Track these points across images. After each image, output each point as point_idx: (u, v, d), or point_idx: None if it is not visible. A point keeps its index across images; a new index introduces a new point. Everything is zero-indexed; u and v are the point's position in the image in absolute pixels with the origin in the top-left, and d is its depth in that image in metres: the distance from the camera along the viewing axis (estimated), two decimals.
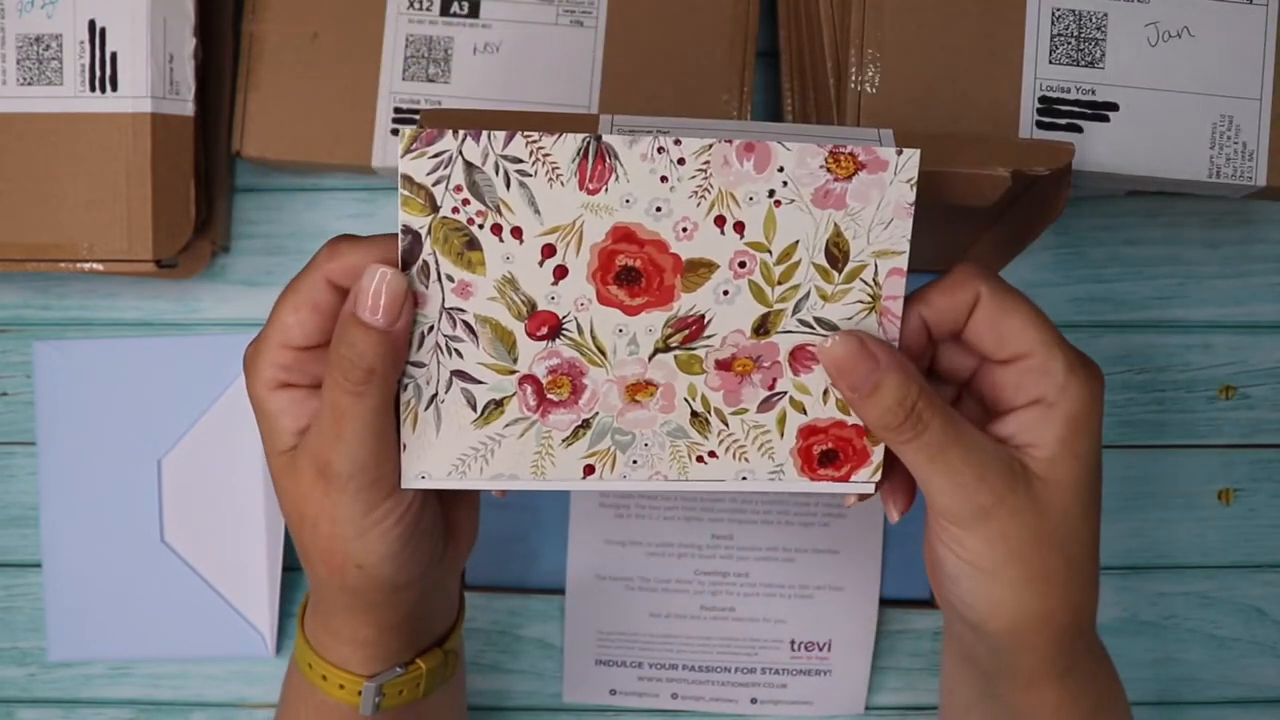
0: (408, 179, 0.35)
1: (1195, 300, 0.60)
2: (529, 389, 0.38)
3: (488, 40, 0.54)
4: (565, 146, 0.35)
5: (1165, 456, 0.60)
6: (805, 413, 0.38)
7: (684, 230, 0.36)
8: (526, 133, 0.35)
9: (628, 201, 0.36)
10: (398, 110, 0.53)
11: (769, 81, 0.58)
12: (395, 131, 0.53)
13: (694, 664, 0.59)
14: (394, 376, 0.36)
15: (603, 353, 0.37)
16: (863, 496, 0.40)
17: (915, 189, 0.36)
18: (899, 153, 0.36)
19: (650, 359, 0.38)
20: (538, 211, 0.36)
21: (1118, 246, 0.60)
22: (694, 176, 0.36)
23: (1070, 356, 0.37)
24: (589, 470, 0.39)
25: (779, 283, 0.37)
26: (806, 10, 0.53)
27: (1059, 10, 0.50)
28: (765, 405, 0.38)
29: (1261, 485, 0.60)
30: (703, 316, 0.37)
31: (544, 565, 0.58)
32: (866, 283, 0.37)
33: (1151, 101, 0.50)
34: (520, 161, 0.35)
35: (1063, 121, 0.50)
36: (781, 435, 0.39)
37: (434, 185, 0.35)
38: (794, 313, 0.37)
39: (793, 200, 0.36)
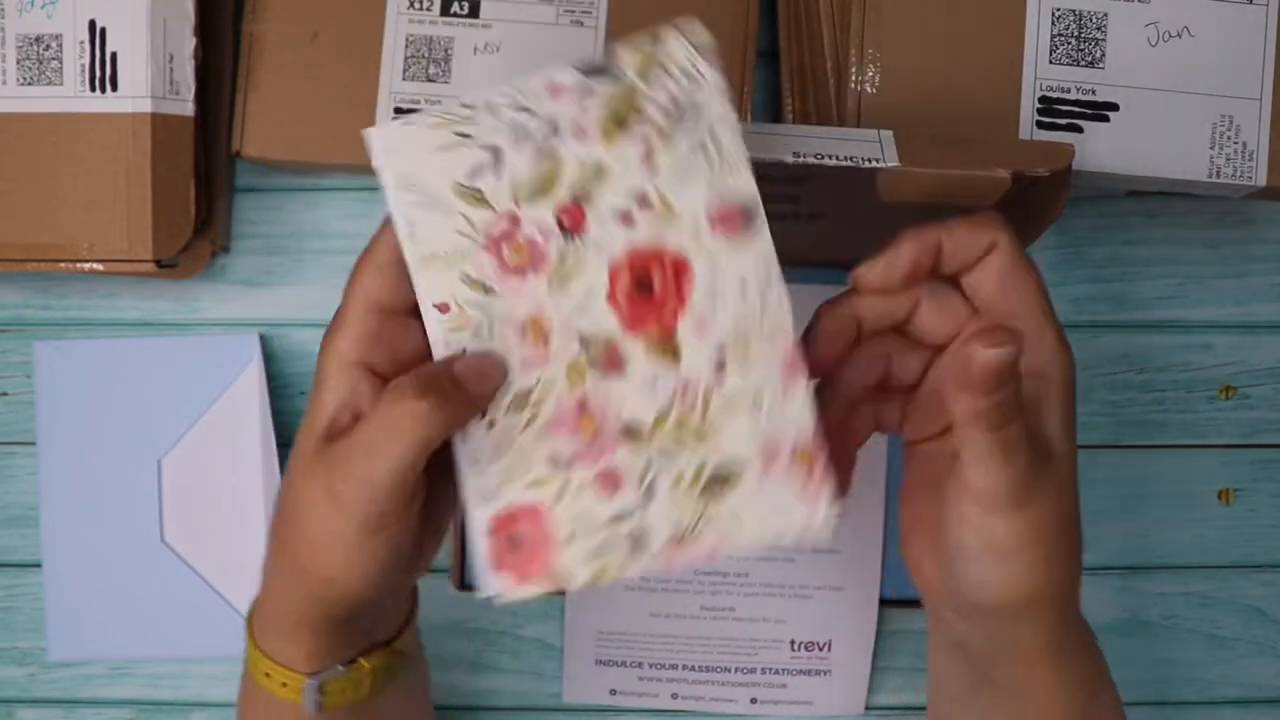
0: None
1: (1195, 300, 0.60)
2: None
3: (488, 40, 0.54)
4: None
5: (1165, 456, 0.60)
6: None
7: None
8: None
9: None
10: (398, 110, 0.53)
11: (769, 81, 0.58)
12: None
13: (694, 664, 0.59)
14: (462, 419, 0.36)
15: None
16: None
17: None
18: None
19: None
20: None
21: (1118, 246, 0.60)
22: None
23: (1059, 329, 0.38)
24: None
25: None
26: (806, 10, 0.53)
27: (1059, 10, 0.50)
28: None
29: (1261, 485, 0.60)
30: None
31: None
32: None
33: (1151, 101, 0.50)
34: None
35: (1063, 121, 0.50)
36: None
37: None
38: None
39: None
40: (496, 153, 0.36)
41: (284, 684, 0.41)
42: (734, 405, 0.37)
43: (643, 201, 0.36)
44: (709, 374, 0.37)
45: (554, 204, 0.36)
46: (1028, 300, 0.37)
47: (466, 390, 0.36)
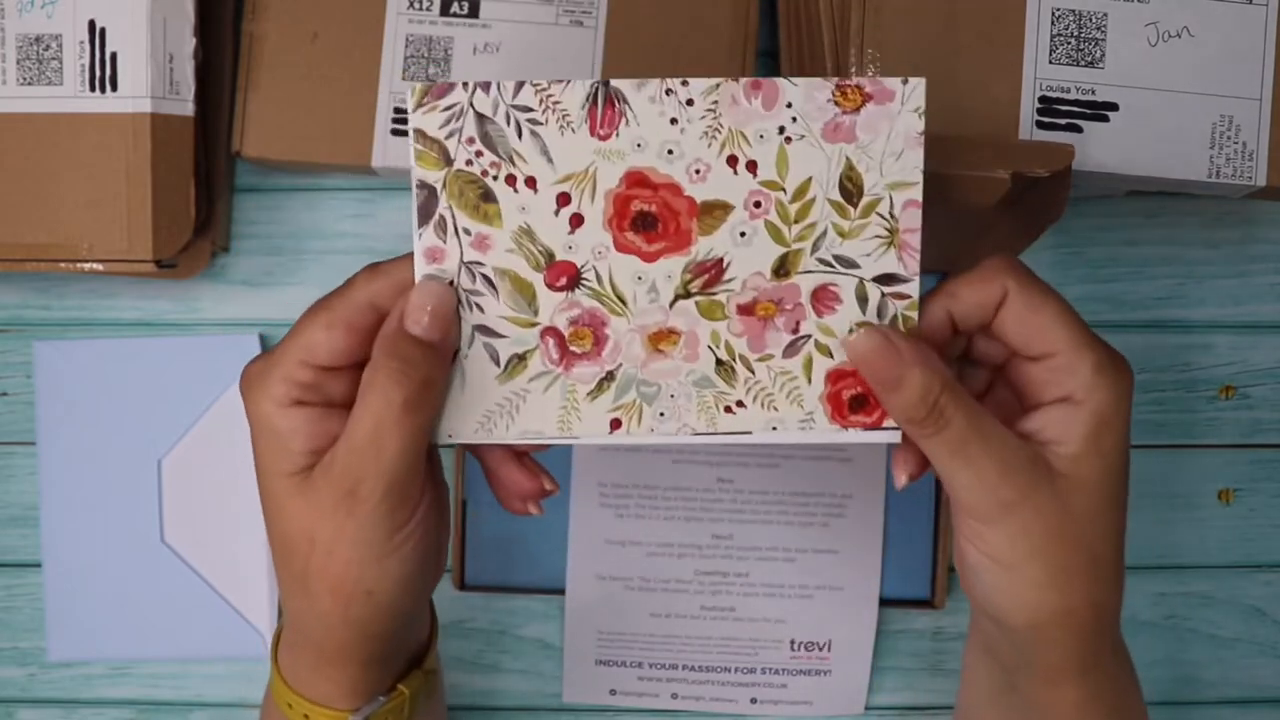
0: (420, 133, 0.36)
1: (1195, 300, 0.60)
2: (551, 341, 0.38)
3: (488, 40, 0.54)
4: (574, 93, 0.36)
5: (1165, 456, 0.60)
6: (831, 356, 0.38)
7: (697, 172, 0.36)
8: (535, 81, 0.35)
9: (639, 146, 0.36)
10: (398, 110, 0.53)
11: None
12: (396, 131, 0.53)
13: (694, 664, 0.59)
14: (443, 390, 0.36)
15: (623, 301, 0.37)
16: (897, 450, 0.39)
17: (924, 118, 0.37)
18: (904, 82, 0.36)
19: (671, 306, 0.37)
20: (550, 160, 0.36)
21: (1118, 246, 0.60)
22: (703, 117, 0.36)
23: (1099, 355, 0.37)
24: (615, 424, 0.38)
25: (795, 221, 0.37)
26: (806, 10, 0.53)
27: (1059, 10, 0.50)
28: (790, 350, 0.38)
29: (1261, 485, 0.60)
30: (721, 260, 0.37)
31: (544, 565, 0.58)
32: (883, 216, 0.37)
33: (1151, 101, 0.50)
34: (530, 110, 0.36)
35: (1062, 121, 0.50)
36: (809, 381, 0.38)
37: (446, 139, 0.36)
38: (813, 251, 0.37)
39: (803, 136, 0.36)
40: None
41: None
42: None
43: None
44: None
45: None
46: (1055, 336, 0.37)
47: (430, 344, 0.36)
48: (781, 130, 0.36)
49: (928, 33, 0.50)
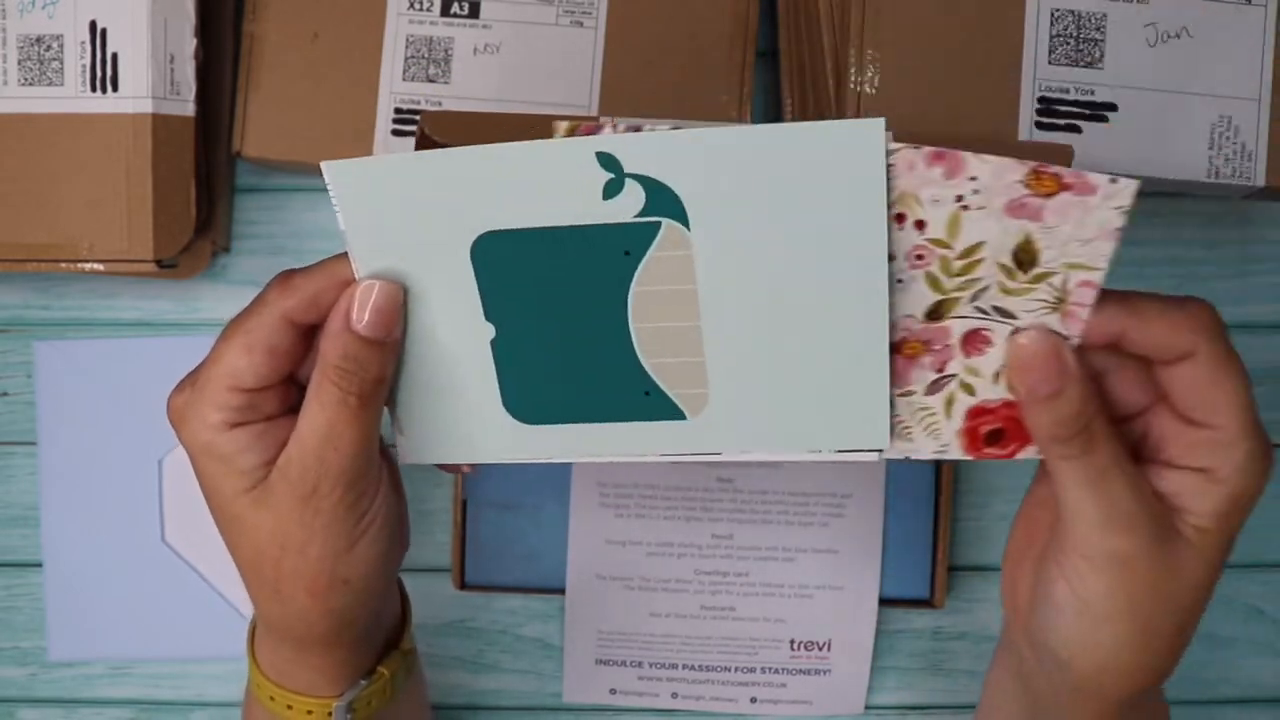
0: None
1: None
2: None
3: (488, 41, 0.54)
4: None
5: None
6: (974, 394, 0.37)
7: None
8: (676, 125, 0.34)
9: None
10: (398, 110, 0.53)
11: (769, 82, 0.58)
12: (396, 132, 0.53)
13: (694, 664, 0.59)
14: (391, 381, 0.36)
15: None
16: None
17: (1126, 215, 0.35)
18: (1113, 180, 0.34)
19: None
20: None
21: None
22: None
23: (1257, 445, 0.35)
24: None
25: (958, 275, 0.35)
26: (806, 10, 0.53)
27: (1058, 11, 0.50)
28: (933, 387, 0.37)
29: None
30: None
31: (544, 565, 0.59)
32: (1054, 287, 0.35)
33: (1150, 102, 0.50)
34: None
35: (1062, 122, 0.50)
36: (949, 416, 0.37)
37: None
38: (971, 300, 0.36)
39: (982, 207, 0.34)
40: None
41: (309, 712, 0.41)
42: None
43: None
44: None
45: None
46: (1225, 415, 0.35)
47: (377, 343, 0.35)
48: (959, 199, 0.34)
49: (928, 33, 0.50)
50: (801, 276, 0.35)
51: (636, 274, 0.35)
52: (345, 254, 0.36)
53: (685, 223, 0.35)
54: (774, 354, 0.36)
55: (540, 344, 0.37)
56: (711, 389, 0.37)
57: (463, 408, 0.38)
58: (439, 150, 0.34)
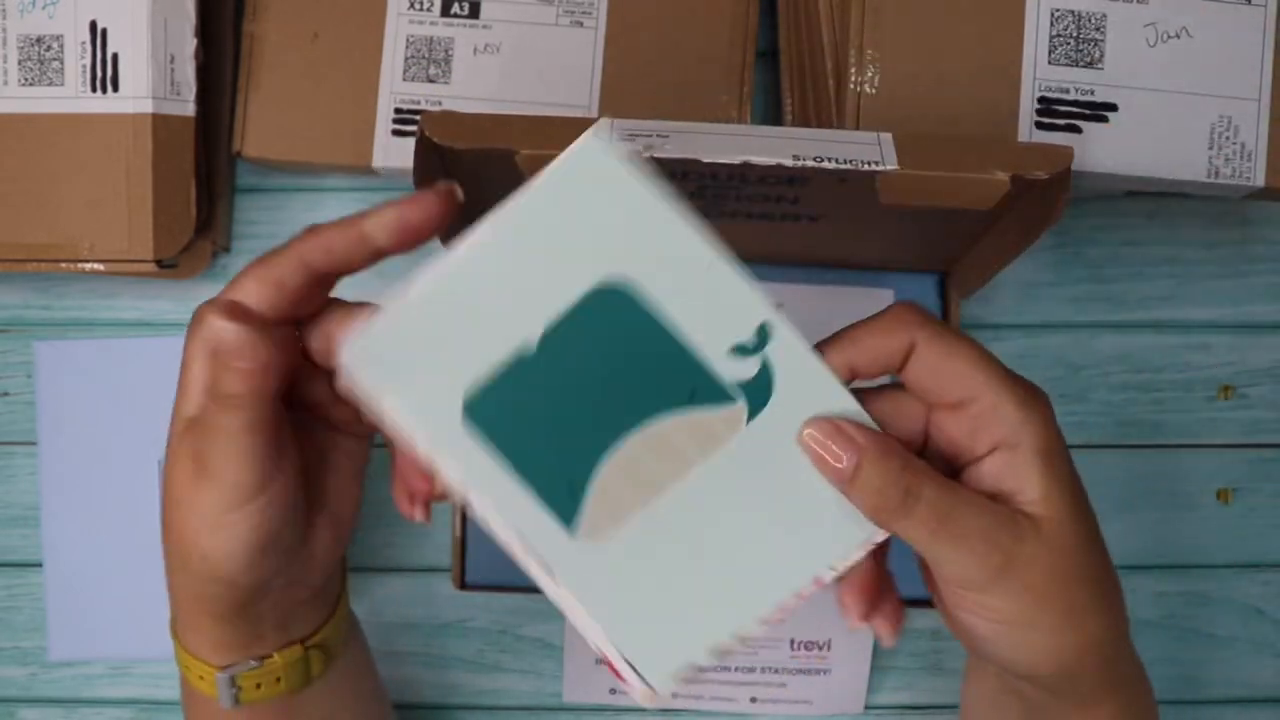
0: None
1: (1194, 300, 0.60)
2: None
3: (488, 41, 0.54)
4: None
5: (1164, 456, 0.60)
6: None
7: None
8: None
9: None
10: (398, 111, 0.53)
11: (769, 82, 0.58)
12: (396, 132, 0.53)
13: None
14: (270, 399, 0.36)
15: None
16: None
17: None
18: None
19: None
20: None
21: (1117, 247, 0.60)
22: None
23: (1019, 391, 0.36)
24: None
25: None
26: (806, 10, 0.53)
27: (1058, 11, 0.50)
28: None
29: (1260, 485, 0.60)
30: None
31: None
32: None
33: (1150, 102, 0.50)
34: None
35: (1062, 122, 0.50)
36: None
37: None
38: None
39: None
40: None
41: (200, 677, 0.42)
42: None
43: None
44: None
45: None
46: (972, 381, 0.36)
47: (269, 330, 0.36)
48: None
49: (927, 33, 0.50)
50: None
51: (676, 415, 0.36)
52: (367, 211, 0.37)
53: (755, 414, 0.36)
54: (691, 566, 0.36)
55: (552, 383, 0.36)
56: (617, 538, 0.36)
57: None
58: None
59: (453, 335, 0.35)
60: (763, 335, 0.35)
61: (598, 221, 0.35)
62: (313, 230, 0.37)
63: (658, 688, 0.37)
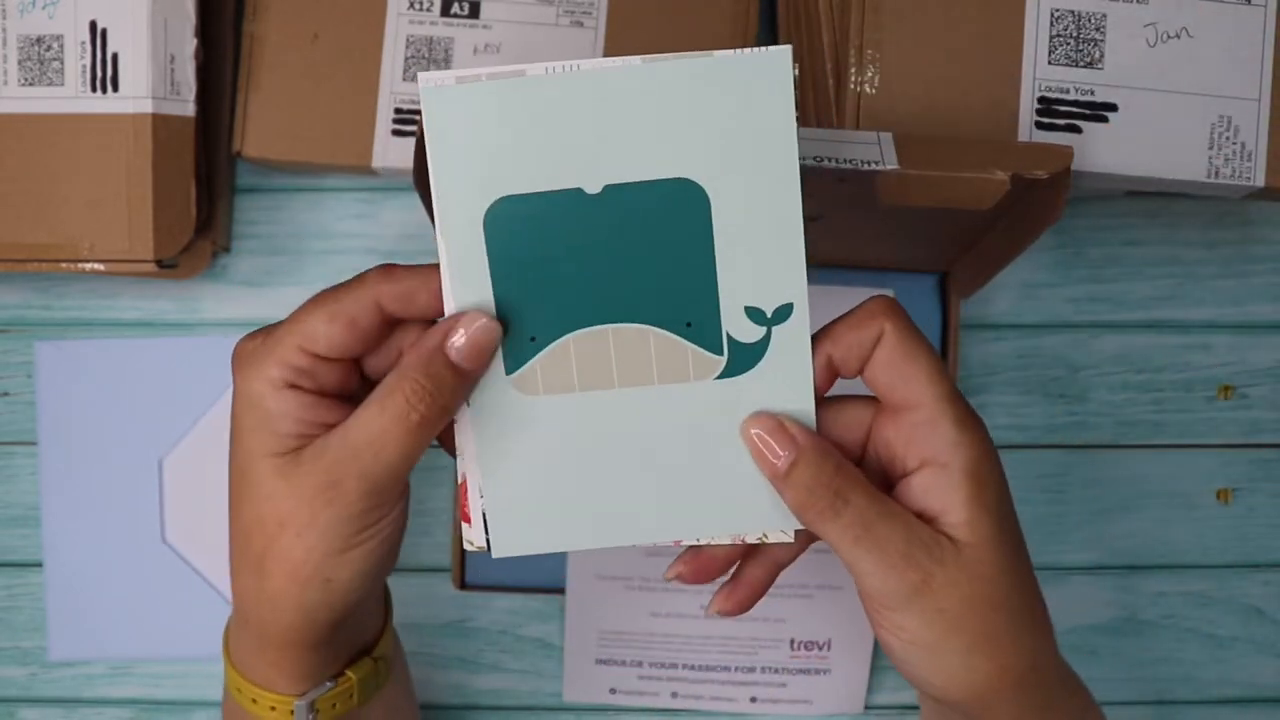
0: None
1: (1194, 300, 0.60)
2: None
3: (488, 41, 0.54)
4: None
5: (1164, 456, 0.60)
6: None
7: None
8: None
9: None
10: (398, 111, 0.54)
11: None
12: (396, 132, 0.53)
13: (694, 663, 0.59)
14: (461, 399, 0.36)
15: None
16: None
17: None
18: None
19: None
20: None
21: (1117, 247, 0.60)
22: None
23: (960, 412, 0.36)
24: None
25: None
26: (806, 10, 0.53)
27: (1058, 11, 0.50)
28: None
29: (1260, 485, 0.60)
30: None
31: (544, 565, 0.59)
32: None
33: (1150, 102, 0.50)
34: None
35: (1062, 122, 0.50)
36: None
37: None
38: None
39: None
40: None
41: (273, 708, 0.41)
42: None
43: None
44: None
45: None
46: (921, 388, 0.36)
47: (464, 373, 0.36)
48: None
49: (927, 33, 0.50)
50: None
51: (663, 334, 0.36)
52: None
53: (728, 375, 0.36)
54: None
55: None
56: (543, 404, 0.37)
57: None
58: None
59: (528, 134, 0.34)
60: (781, 313, 0.36)
61: (730, 124, 0.34)
62: (386, 273, 0.37)
63: (495, 552, 0.38)
